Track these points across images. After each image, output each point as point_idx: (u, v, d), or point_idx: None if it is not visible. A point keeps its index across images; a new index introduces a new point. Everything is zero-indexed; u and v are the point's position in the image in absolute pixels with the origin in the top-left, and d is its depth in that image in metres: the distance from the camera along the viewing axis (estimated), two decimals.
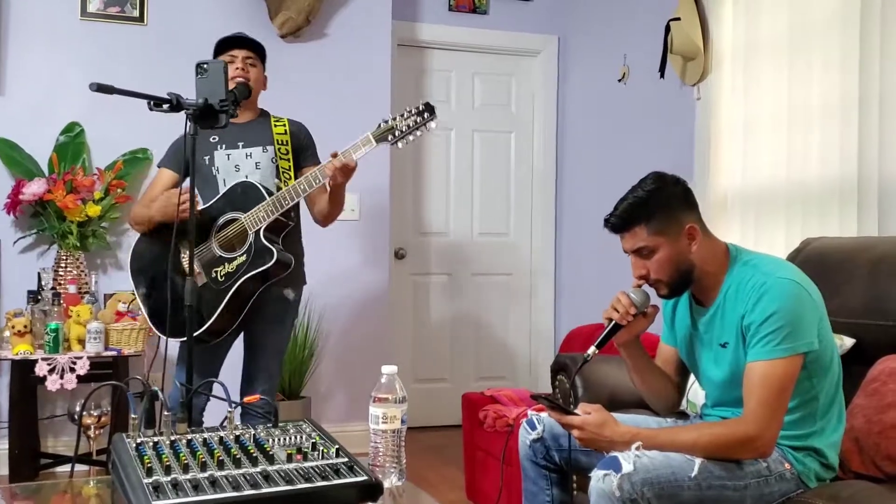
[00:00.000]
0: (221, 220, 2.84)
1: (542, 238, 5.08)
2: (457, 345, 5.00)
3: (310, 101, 4.11)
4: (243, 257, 2.79)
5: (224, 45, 2.94)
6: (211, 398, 2.26)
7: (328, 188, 2.85)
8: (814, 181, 3.13)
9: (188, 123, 2.28)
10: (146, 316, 2.94)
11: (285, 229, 2.88)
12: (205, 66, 2.32)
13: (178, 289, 2.85)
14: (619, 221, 2.01)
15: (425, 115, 2.71)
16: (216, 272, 2.82)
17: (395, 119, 2.71)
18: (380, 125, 2.73)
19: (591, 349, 2.08)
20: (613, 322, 2.08)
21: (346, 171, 2.74)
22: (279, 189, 2.86)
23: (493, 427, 3.21)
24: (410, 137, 2.72)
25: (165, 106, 2.25)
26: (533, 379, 5.06)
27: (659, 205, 1.98)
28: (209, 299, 2.77)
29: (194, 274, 2.33)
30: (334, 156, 2.72)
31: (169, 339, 2.60)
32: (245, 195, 2.82)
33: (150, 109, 2.26)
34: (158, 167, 3.08)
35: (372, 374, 4.67)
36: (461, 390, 4.02)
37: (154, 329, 2.92)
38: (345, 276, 4.35)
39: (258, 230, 2.77)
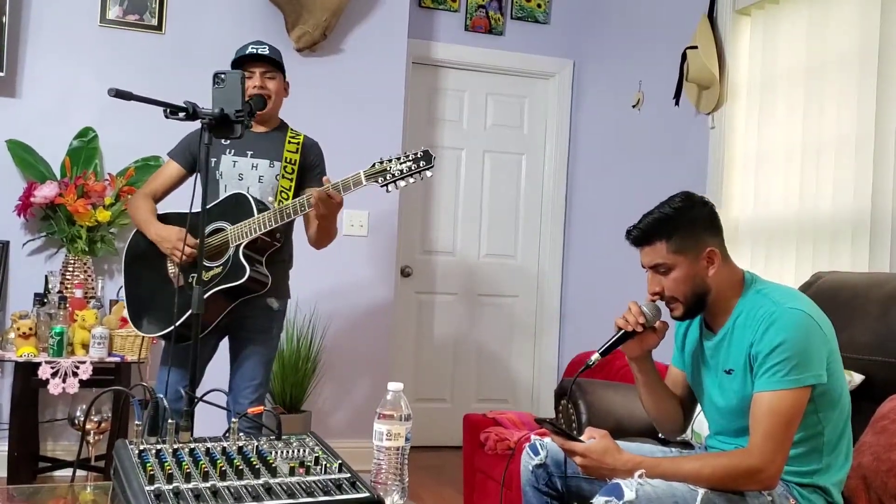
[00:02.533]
0: (211, 227, 2.83)
1: (549, 262, 5.07)
2: (459, 365, 4.98)
3: (323, 116, 4.13)
4: (219, 269, 2.78)
5: (241, 62, 2.95)
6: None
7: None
8: (826, 214, 3.12)
9: (203, 133, 2.28)
10: (126, 307, 3.00)
11: (270, 249, 2.85)
12: (222, 75, 2.32)
13: (158, 289, 2.90)
14: (641, 235, 2.01)
15: (421, 163, 2.56)
16: (193, 277, 2.77)
17: (390, 161, 2.59)
18: (374, 165, 2.62)
19: (595, 355, 2.09)
20: (622, 331, 2.08)
21: (329, 203, 2.67)
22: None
23: (494, 450, 3.18)
24: (402, 183, 2.57)
25: (181, 114, 2.25)
26: (535, 403, 5.03)
27: (683, 224, 1.98)
28: (182, 302, 2.69)
29: (201, 278, 2.32)
30: (325, 182, 2.68)
31: (149, 337, 2.75)
32: (237, 208, 2.81)
33: (167, 117, 2.26)
34: (168, 155, 3.08)
35: (372, 391, 4.66)
36: (461, 411, 3.99)
37: (130, 322, 2.99)
38: (350, 291, 4.34)
39: (238, 245, 2.76)
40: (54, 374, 3.40)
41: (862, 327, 2.41)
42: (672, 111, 3.98)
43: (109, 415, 3.63)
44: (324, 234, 2.95)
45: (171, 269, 2.90)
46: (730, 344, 2.00)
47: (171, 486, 1.50)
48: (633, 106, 4.37)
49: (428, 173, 2.58)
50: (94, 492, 2.08)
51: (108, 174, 3.92)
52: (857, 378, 2.38)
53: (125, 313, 3.63)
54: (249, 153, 2.96)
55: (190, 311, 2.64)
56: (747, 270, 2.08)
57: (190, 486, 1.52)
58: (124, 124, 3.90)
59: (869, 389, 2.34)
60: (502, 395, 5.01)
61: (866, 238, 2.93)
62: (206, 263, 2.80)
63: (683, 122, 3.95)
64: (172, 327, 2.59)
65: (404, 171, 2.57)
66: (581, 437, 1.98)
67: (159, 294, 2.90)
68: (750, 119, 3.55)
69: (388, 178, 2.58)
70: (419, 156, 2.57)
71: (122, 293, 3.04)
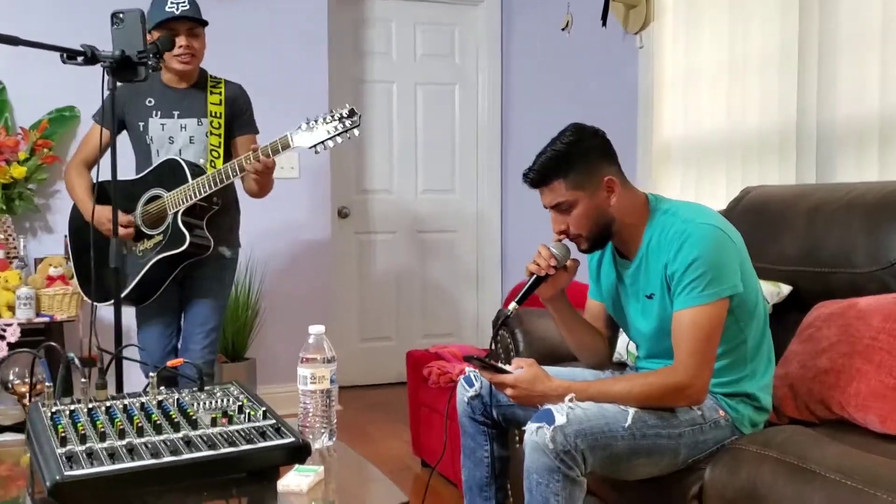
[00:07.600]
0: (147, 195, 2.82)
1: (487, 193, 5.03)
2: (402, 303, 4.96)
3: (244, 58, 3.98)
4: (160, 237, 2.79)
5: (163, 21, 2.80)
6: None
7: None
8: (754, 130, 3.13)
9: (106, 77, 2.18)
10: (76, 281, 3.01)
11: (209, 213, 2.84)
12: (120, 15, 2.20)
13: (104, 256, 2.83)
14: (538, 177, 1.98)
15: (347, 122, 2.57)
16: (136, 246, 2.83)
17: (316, 122, 2.60)
18: (300, 126, 2.61)
19: (512, 305, 2.07)
20: (534, 276, 2.06)
21: (265, 170, 2.69)
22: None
23: (436, 383, 3.20)
24: (330, 143, 2.59)
25: (80, 59, 2.14)
26: (480, 335, 5.05)
27: (577, 158, 1.95)
28: (130, 269, 2.80)
29: (121, 235, 2.29)
30: (254, 150, 2.68)
31: (96, 303, 2.59)
32: (172, 174, 2.78)
33: (64, 62, 2.15)
34: (93, 119, 2.97)
35: None
36: (407, 348, 3.98)
37: (83, 294, 3.01)
38: (286, 236, 4.26)
39: (176, 212, 2.75)
40: None
41: (789, 239, 2.43)
42: (601, 32, 3.92)
43: (43, 376, 3.54)
44: (261, 189, 2.91)
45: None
46: (647, 269, 2.00)
47: (83, 447, 1.45)
48: (563, 29, 4.30)
49: (356, 132, 2.59)
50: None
51: (21, 128, 3.74)
52: (786, 289, 2.41)
53: (52, 271, 3.54)
54: (176, 113, 2.87)
55: (134, 284, 2.80)
56: (649, 193, 2.06)
57: (105, 445, 1.47)
58: (34, 74, 3.69)
59: (797, 299, 2.37)
60: (447, 330, 5.01)
61: (792, 151, 2.95)
62: (147, 231, 2.81)
63: (612, 43, 3.90)
64: (101, 298, 2.60)
65: (331, 132, 2.58)
66: (509, 368, 1.97)
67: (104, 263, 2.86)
68: (677, 37, 3.52)
69: (315, 139, 2.59)
70: (344, 115, 2.58)
71: (71, 264, 3.06)
